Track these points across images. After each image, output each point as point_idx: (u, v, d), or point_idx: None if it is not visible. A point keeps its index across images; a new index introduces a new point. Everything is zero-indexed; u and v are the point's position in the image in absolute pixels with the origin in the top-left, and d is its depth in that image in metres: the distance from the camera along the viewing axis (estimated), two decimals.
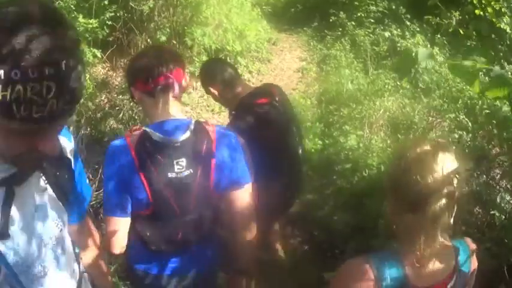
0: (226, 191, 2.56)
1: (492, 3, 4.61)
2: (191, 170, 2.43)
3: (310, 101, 8.40)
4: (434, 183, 1.77)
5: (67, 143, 1.87)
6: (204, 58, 8.72)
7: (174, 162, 2.41)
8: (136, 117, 6.41)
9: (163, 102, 2.48)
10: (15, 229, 1.56)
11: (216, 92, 3.80)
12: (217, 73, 3.81)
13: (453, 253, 1.93)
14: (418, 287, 1.85)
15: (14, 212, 1.55)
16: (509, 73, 2.08)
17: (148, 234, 2.55)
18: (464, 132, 5.90)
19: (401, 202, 1.86)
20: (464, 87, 6.98)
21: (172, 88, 2.48)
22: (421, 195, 1.78)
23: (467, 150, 5.49)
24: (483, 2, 4.65)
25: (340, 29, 11.15)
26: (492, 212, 4.56)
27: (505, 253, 4.06)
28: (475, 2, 4.76)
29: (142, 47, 7.70)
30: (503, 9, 4.62)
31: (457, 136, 5.96)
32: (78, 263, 1.95)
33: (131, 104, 6.50)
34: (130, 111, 6.50)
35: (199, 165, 2.46)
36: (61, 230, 1.76)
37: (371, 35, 10.07)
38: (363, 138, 6.65)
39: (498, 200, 4.69)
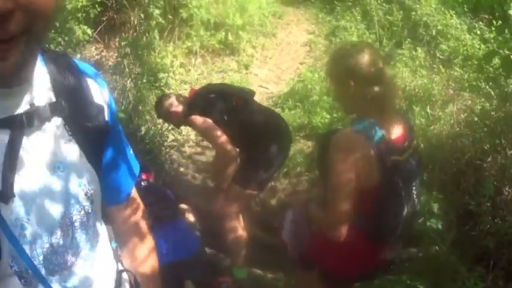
0: None
1: None
2: None
3: (318, 74, 8.31)
4: (379, 61, 2.80)
5: (99, 90, 1.55)
6: (202, 33, 8.67)
7: None
8: (130, 97, 6.38)
9: None
10: (24, 190, 1.25)
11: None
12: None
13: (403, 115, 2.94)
14: (391, 139, 2.75)
15: (24, 165, 1.25)
16: None
17: None
18: (488, 103, 5.82)
19: (364, 80, 2.72)
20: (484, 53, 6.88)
21: None
22: (378, 70, 2.76)
23: (489, 122, 5.43)
24: None
25: None
26: None
27: None
28: None
29: (135, 23, 7.65)
30: None
31: (479, 107, 5.89)
32: (116, 260, 1.67)
33: (124, 83, 6.47)
34: (124, 88, 6.46)
35: None
36: (92, 203, 1.46)
37: (384, 4, 9.91)
38: None
39: None
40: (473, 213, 4.68)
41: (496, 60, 5.93)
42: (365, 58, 2.78)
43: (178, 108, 4.92)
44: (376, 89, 2.74)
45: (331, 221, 2.76)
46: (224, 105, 4.76)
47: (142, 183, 4.61)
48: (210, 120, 4.62)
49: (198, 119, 4.67)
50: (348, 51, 2.85)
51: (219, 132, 4.57)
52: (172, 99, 5.01)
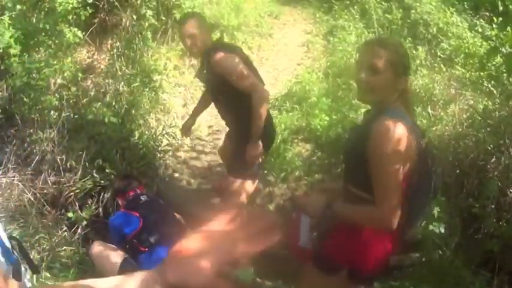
0: None
1: None
2: None
3: (316, 75, 8.32)
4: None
5: None
6: None
7: None
8: (123, 100, 6.38)
9: None
10: None
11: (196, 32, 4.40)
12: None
13: None
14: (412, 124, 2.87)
15: None
16: None
17: None
18: (490, 102, 5.83)
19: (403, 71, 2.85)
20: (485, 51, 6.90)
21: None
22: (409, 63, 2.97)
23: (491, 121, 5.43)
24: None
25: None
26: None
27: None
28: None
29: (128, 24, 7.64)
30: None
31: (481, 107, 5.89)
32: None
33: (117, 86, 6.47)
34: (116, 92, 6.46)
35: None
36: None
37: (383, 3, 9.92)
38: None
39: None
40: (477, 215, 4.69)
41: (498, 58, 5.94)
42: (403, 50, 2.95)
43: (207, 35, 4.54)
44: (407, 80, 2.90)
45: (386, 213, 2.75)
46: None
47: (142, 198, 4.60)
48: (238, 59, 4.34)
49: (224, 55, 4.30)
50: (386, 42, 2.96)
51: (248, 72, 4.33)
52: (204, 23, 4.62)
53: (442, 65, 7.49)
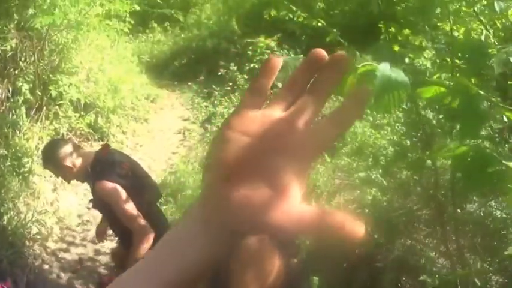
0: None
1: (410, 37, 4.75)
2: None
3: (192, 165, 8.44)
4: None
5: None
6: (70, 113, 8.60)
7: None
8: None
9: None
10: None
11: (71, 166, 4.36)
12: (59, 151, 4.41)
13: None
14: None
15: None
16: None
17: None
18: (379, 193, 6.06)
19: None
20: (376, 141, 7.21)
21: None
22: None
23: (381, 213, 5.66)
24: (399, 38, 4.74)
25: (230, 83, 11.31)
26: (421, 278, 4.69)
27: None
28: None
29: (3, 97, 7.54)
30: (423, 43, 4.81)
31: (370, 197, 6.12)
32: None
33: None
34: None
35: None
36: None
37: None
38: None
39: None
40: None
41: (390, 149, 6.26)
42: None
43: (77, 161, 4.42)
44: None
45: None
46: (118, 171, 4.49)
47: None
48: (121, 189, 4.26)
49: (107, 184, 4.25)
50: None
51: (130, 203, 4.26)
52: (70, 148, 4.47)
53: (325, 155, 7.76)
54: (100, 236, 5.27)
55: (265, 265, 2.65)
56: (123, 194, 4.25)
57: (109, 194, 4.24)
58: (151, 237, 4.33)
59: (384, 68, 2.00)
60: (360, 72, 2.09)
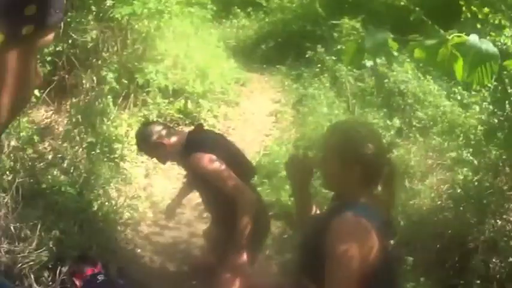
0: None
1: (490, 16, 4.65)
2: None
3: (285, 147, 8.31)
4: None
5: None
6: (159, 100, 8.65)
7: None
8: (82, 168, 6.29)
9: None
10: None
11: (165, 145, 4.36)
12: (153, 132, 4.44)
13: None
14: (386, 222, 2.75)
15: None
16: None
17: None
18: (470, 172, 5.88)
19: (373, 168, 2.71)
20: (465, 120, 7.00)
21: None
22: (384, 156, 2.87)
23: (472, 193, 5.46)
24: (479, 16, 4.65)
25: (319, 65, 11.13)
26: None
27: None
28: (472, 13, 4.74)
29: (88, 86, 7.62)
30: (503, 22, 4.67)
31: (461, 177, 5.93)
32: None
33: (75, 151, 6.40)
34: (74, 158, 6.37)
35: None
36: None
37: (354, 70, 10.04)
38: None
39: None
40: None
41: (479, 128, 6.04)
42: (375, 144, 2.78)
43: (171, 140, 4.40)
44: (379, 175, 2.77)
45: None
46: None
47: (99, 278, 4.50)
48: (218, 159, 4.18)
49: (203, 156, 4.17)
50: (356, 134, 2.81)
51: (232, 174, 4.17)
52: (161, 128, 4.51)
53: (417, 135, 7.56)
54: (169, 213, 5.34)
55: (364, 242, 2.58)
56: (221, 163, 4.16)
57: (206, 165, 4.15)
58: (255, 207, 4.23)
59: (474, 40, 2.03)
60: (452, 44, 2.09)
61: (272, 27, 14.75)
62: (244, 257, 4.21)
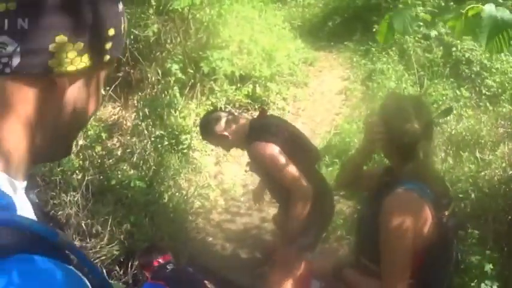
0: None
1: None
2: None
3: (356, 125, 8.24)
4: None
5: None
6: (227, 87, 8.68)
7: None
8: (151, 161, 6.40)
9: None
10: None
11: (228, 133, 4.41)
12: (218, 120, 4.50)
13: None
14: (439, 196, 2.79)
15: None
16: None
17: None
18: None
19: (424, 137, 2.73)
20: None
21: None
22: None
23: None
24: None
25: None
26: None
27: None
28: None
29: (153, 79, 7.73)
30: None
31: None
32: None
33: (143, 145, 6.51)
34: (143, 152, 6.49)
35: None
36: None
37: (422, 41, 9.84)
38: None
39: None
40: None
41: None
42: (427, 114, 2.85)
43: (234, 127, 4.47)
44: (427, 146, 2.78)
45: None
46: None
47: (168, 267, 4.58)
48: (278, 148, 4.21)
49: (263, 145, 4.22)
50: (385, 103, 2.91)
51: (290, 164, 4.18)
52: (224, 116, 4.56)
53: (487, 104, 7.39)
54: (256, 198, 5.32)
55: (416, 216, 2.64)
56: (280, 153, 4.19)
57: (265, 154, 4.20)
58: (309, 197, 4.24)
59: (490, 9, 2.04)
60: (468, 15, 2.15)
61: (338, 3, 14.48)
62: (295, 249, 4.23)
